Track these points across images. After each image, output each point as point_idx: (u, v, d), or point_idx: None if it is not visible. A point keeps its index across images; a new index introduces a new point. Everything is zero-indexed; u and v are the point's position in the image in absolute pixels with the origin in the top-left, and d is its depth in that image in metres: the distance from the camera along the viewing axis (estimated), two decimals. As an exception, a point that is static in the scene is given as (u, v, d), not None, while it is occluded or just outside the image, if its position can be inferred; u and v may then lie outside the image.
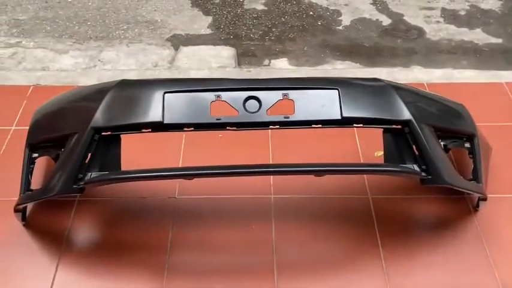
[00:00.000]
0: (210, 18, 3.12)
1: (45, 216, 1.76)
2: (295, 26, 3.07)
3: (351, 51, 2.89)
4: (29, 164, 1.66)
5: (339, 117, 1.47)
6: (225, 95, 1.47)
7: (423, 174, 1.52)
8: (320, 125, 1.49)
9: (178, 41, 2.93)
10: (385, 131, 1.59)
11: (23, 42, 2.88)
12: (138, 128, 1.48)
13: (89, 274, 1.61)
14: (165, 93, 1.47)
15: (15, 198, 1.66)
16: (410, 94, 1.61)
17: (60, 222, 1.74)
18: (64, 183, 1.49)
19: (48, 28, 3.00)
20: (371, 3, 3.27)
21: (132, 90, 1.53)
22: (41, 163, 1.78)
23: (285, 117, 1.47)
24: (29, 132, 1.69)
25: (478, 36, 3.01)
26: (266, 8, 3.21)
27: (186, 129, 1.49)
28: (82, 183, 1.48)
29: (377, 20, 3.13)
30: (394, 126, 1.54)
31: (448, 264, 1.64)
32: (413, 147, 1.53)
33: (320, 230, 1.74)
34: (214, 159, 1.92)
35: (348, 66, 2.77)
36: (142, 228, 1.74)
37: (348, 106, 1.47)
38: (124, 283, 1.58)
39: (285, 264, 1.64)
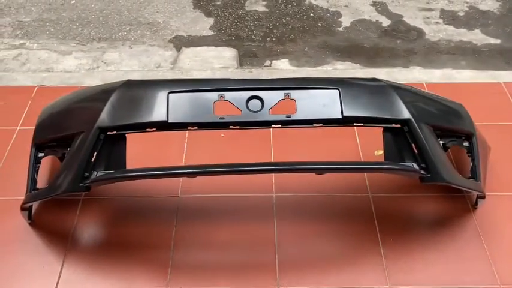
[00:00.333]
0: (211, 20, 3.15)
1: (50, 215, 1.78)
2: (296, 27, 3.09)
3: (351, 52, 2.92)
4: (35, 163, 1.68)
5: (340, 117, 1.49)
6: (228, 94, 1.50)
7: (422, 172, 1.54)
8: (321, 124, 1.52)
9: (180, 42, 2.95)
10: (385, 130, 1.61)
11: (27, 44, 2.91)
12: (143, 127, 1.50)
13: (94, 271, 1.63)
14: (169, 93, 1.49)
15: (21, 197, 1.68)
16: (409, 94, 1.64)
17: (65, 221, 1.76)
18: (70, 181, 1.52)
19: (52, 30, 3.03)
20: (371, 5, 3.29)
21: (137, 91, 1.56)
22: (46, 162, 1.81)
23: (287, 117, 1.50)
24: (35, 132, 1.71)
25: (476, 36, 3.03)
26: (267, 10, 3.24)
27: (190, 128, 1.52)
28: (88, 181, 1.51)
29: (377, 21, 3.16)
30: (393, 125, 1.57)
31: (447, 261, 1.66)
32: (413, 145, 1.55)
33: (321, 227, 1.76)
34: (217, 158, 1.95)
35: (348, 66, 2.80)
36: (146, 226, 1.76)
37: (348, 105, 1.49)
38: (129, 280, 1.60)
39: (286, 261, 1.66)
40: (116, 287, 1.59)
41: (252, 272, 1.64)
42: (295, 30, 3.07)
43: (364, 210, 1.81)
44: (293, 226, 1.76)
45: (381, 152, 1.68)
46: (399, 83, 1.71)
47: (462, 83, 2.46)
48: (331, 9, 3.25)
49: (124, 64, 2.77)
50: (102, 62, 2.79)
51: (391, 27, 3.11)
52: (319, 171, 1.56)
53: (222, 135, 2.05)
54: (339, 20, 3.17)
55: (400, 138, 1.57)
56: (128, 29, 3.06)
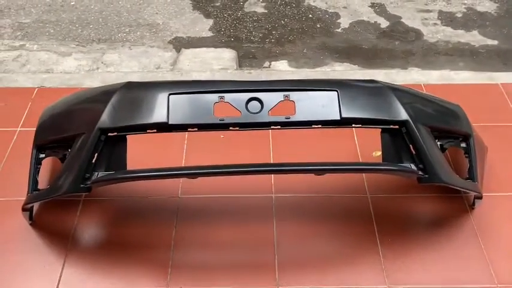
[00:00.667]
0: (211, 21, 3.16)
1: (51, 215, 1.79)
2: (295, 29, 3.11)
3: (350, 53, 2.93)
4: (36, 164, 1.69)
5: (338, 118, 1.51)
6: (228, 96, 1.51)
7: (420, 173, 1.56)
8: (320, 126, 1.53)
9: (180, 44, 2.97)
10: (383, 131, 1.62)
11: (27, 45, 2.91)
12: (143, 128, 1.51)
13: (94, 271, 1.64)
14: (169, 94, 1.51)
15: (21, 197, 1.69)
16: (407, 95, 1.65)
17: (66, 221, 1.77)
18: (71, 182, 1.53)
19: (52, 31, 3.04)
20: (369, 6, 3.31)
21: (137, 92, 1.57)
22: (47, 163, 1.82)
23: (286, 118, 1.51)
24: (36, 133, 1.72)
25: (474, 38, 3.05)
26: (266, 11, 3.25)
27: (190, 129, 1.53)
28: (89, 182, 1.52)
29: (375, 22, 3.18)
30: (391, 126, 1.58)
31: (444, 260, 1.67)
32: (411, 146, 1.56)
33: (320, 227, 1.77)
34: (216, 159, 1.96)
35: (346, 68, 2.81)
36: (147, 227, 1.77)
37: (346, 107, 1.51)
38: (129, 280, 1.61)
39: (285, 261, 1.67)
40: (116, 286, 1.60)
41: (251, 272, 1.65)
42: (294, 32, 3.09)
43: (362, 211, 1.83)
44: (292, 226, 1.78)
45: (379, 153, 1.69)
46: (397, 85, 1.73)
47: (460, 84, 2.47)
48: (330, 11, 3.26)
49: (124, 65, 2.78)
50: (102, 63, 2.80)
51: (390, 29, 3.12)
52: (318, 172, 1.57)
53: (222, 136, 2.06)
54: (338, 21, 3.18)
55: (398, 139, 1.59)
56: (127, 30, 3.07)
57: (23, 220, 1.75)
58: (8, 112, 2.24)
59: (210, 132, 1.61)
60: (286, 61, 2.87)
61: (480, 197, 1.76)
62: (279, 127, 1.53)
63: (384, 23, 3.16)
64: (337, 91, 1.53)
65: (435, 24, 3.16)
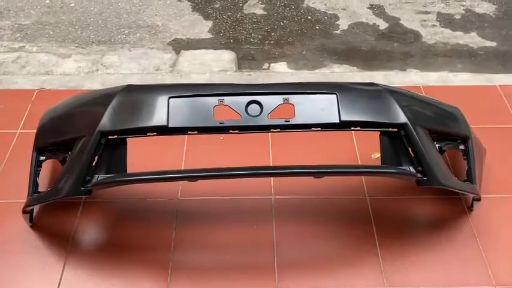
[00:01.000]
0: (210, 23, 3.17)
1: (51, 218, 1.80)
2: (294, 30, 3.12)
3: (349, 54, 2.94)
4: (37, 166, 1.70)
5: (337, 121, 1.52)
6: (227, 99, 1.52)
7: (419, 175, 1.57)
8: (319, 129, 1.54)
9: (179, 45, 2.97)
10: (382, 133, 1.63)
11: (27, 47, 2.92)
12: (143, 131, 1.52)
13: (95, 273, 1.65)
14: (169, 98, 1.51)
15: (22, 200, 1.69)
16: (406, 98, 1.66)
17: (66, 223, 1.78)
18: (72, 185, 1.53)
19: (51, 33, 3.04)
20: (368, 8, 3.32)
21: (137, 95, 1.58)
22: (47, 165, 1.82)
23: (285, 121, 1.52)
24: (36, 136, 1.72)
25: (473, 39, 3.06)
26: (265, 13, 3.26)
27: (190, 132, 1.54)
28: (89, 185, 1.52)
29: (374, 24, 3.18)
30: (390, 129, 1.59)
31: (443, 262, 1.68)
32: (409, 149, 1.57)
33: (319, 229, 1.78)
34: (216, 160, 1.95)
35: (345, 69, 2.82)
36: (147, 229, 1.78)
37: (345, 110, 1.52)
38: (129, 282, 1.62)
39: (285, 263, 1.68)
40: (116, 288, 1.61)
41: (251, 273, 1.66)
42: (293, 33, 3.09)
43: (361, 213, 1.84)
44: (292, 228, 1.78)
45: (378, 155, 1.70)
46: (396, 87, 1.73)
47: (458, 86, 2.48)
48: (329, 12, 3.27)
49: (123, 67, 2.79)
50: (102, 65, 2.81)
51: (388, 30, 3.13)
52: (317, 175, 1.58)
53: (222, 138, 2.06)
54: (337, 22, 3.19)
55: (396, 142, 1.60)
56: (127, 32, 3.07)
57: (23, 222, 1.75)
58: (8, 114, 2.24)
59: (210, 135, 1.62)
60: (285, 63, 2.87)
61: (478, 199, 1.77)
62: (279, 130, 1.54)
63: (383, 25, 3.17)
64: (336, 94, 1.53)
65: (434, 25, 3.17)
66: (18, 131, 2.15)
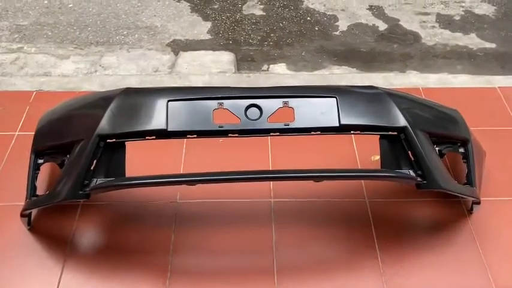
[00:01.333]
0: (209, 24, 3.16)
1: (50, 220, 1.79)
2: (293, 32, 3.11)
3: (348, 56, 2.94)
4: (35, 169, 1.69)
5: (337, 125, 1.51)
6: (227, 103, 1.51)
7: (419, 179, 1.56)
8: (319, 132, 1.54)
9: (178, 46, 2.96)
10: (382, 137, 1.63)
11: (25, 48, 2.91)
12: (142, 135, 1.51)
13: (93, 276, 1.64)
14: (168, 101, 1.50)
15: (20, 202, 1.69)
16: (405, 101, 1.65)
17: (64, 226, 1.77)
18: (70, 189, 1.53)
19: (50, 33, 3.03)
20: (367, 9, 3.31)
21: (136, 98, 1.57)
22: (45, 168, 1.81)
23: (285, 125, 1.51)
24: (34, 138, 1.71)
25: (472, 41, 3.06)
26: (264, 14, 3.25)
27: (189, 136, 1.53)
28: (88, 189, 1.51)
29: (373, 25, 3.18)
30: (390, 133, 1.59)
31: (443, 265, 1.68)
32: (409, 153, 1.57)
33: (319, 232, 1.78)
34: (215, 163, 1.96)
35: (344, 71, 2.82)
36: (145, 232, 1.77)
37: (345, 114, 1.51)
38: (128, 285, 1.62)
39: (284, 265, 1.67)
40: (115, 292, 1.60)
41: (250, 276, 1.65)
42: (292, 34, 3.09)
43: (361, 216, 1.83)
44: (291, 231, 1.78)
45: (378, 157, 1.70)
46: (395, 90, 1.73)
47: (458, 88, 2.48)
48: (328, 13, 3.27)
49: (122, 68, 2.78)
50: (100, 66, 2.80)
51: (388, 31, 3.13)
52: (317, 179, 1.58)
53: (221, 140, 2.06)
54: (336, 24, 3.19)
55: (396, 146, 1.59)
56: (125, 32, 3.06)
57: (21, 225, 1.74)
58: (6, 116, 2.23)
59: (209, 138, 1.61)
60: (284, 64, 2.87)
61: (478, 203, 1.76)
62: (278, 134, 1.53)
63: (382, 26, 3.17)
64: (336, 98, 1.53)
65: (433, 27, 3.17)
66: (17, 133, 2.14)
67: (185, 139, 2.03)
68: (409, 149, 1.56)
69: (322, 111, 1.51)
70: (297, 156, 2.02)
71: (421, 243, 1.75)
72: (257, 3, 3.35)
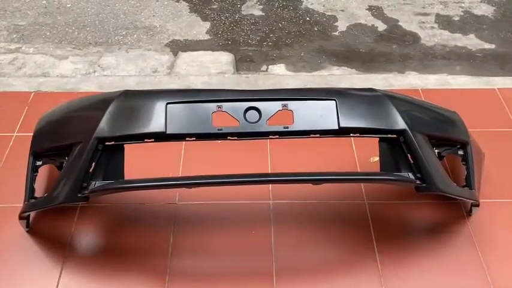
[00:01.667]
0: (208, 24, 3.16)
1: (48, 222, 1.79)
2: (292, 32, 3.10)
3: (347, 56, 2.93)
4: (33, 171, 1.68)
5: (337, 128, 1.51)
6: (226, 105, 1.51)
7: (418, 182, 1.56)
8: (318, 135, 1.53)
9: (177, 47, 2.96)
10: (381, 139, 1.63)
11: (23, 48, 2.90)
12: (141, 138, 1.51)
13: (92, 278, 1.64)
14: (167, 104, 1.50)
15: (18, 204, 1.68)
16: (404, 103, 1.65)
17: (63, 228, 1.77)
18: (68, 192, 1.52)
19: (48, 34, 3.02)
20: (367, 9, 3.31)
21: (135, 101, 1.56)
22: (43, 170, 1.81)
23: (284, 127, 1.51)
24: (33, 140, 1.71)
25: (471, 41, 3.06)
26: (263, 14, 3.25)
27: (188, 139, 1.53)
28: (86, 192, 1.51)
29: (372, 25, 3.18)
30: (389, 135, 1.58)
31: (442, 267, 1.68)
32: (408, 155, 1.57)
33: (318, 234, 1.78)
34: (214, 164, 1.96)
35: (344, 72, 2.81)
36: (144, 234, 1.77)
37: (345, 116, 1.51)
38: (127, 287, 1.61)
39: (283, 268, 1.67)
40: (114, 294, 1.60)
41: (249, 278, 1.65)
42: (291, 35, 3.08)
43: (360, 217, 1.83)
44: (290, 233, 1.78)
45: (377, 158, 1.70)
46: (395, 93, 1.73)
47: (457, 89, 2.48)
48: (328, 14, 3.26)
49: (120, 69, 2.77)
50: (99, 66, 2.79)
51: (387, 32, 3.12)
52: (316, 182, 1.57)
53: (219, 141, 2.05)
54: (335, 24, 3.18)
55: (396, 148, 1.59)
56: (124, 33, 3.05)
57: (20, 227, 1.74)
58: (4, 117, 2.23)
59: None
60: (283, 65, 2.86)
61: (477, 205, 1.76)
62: (277, 137, 1.53)
63: (381, 26, 3.17)
64: (335, 100, 1.53)
65: (432, 27, 3.17)
66: (15, 134, 2.14)
67: (184, 142, 2.04)
68: (409, 152, 1.56)
69: (322, 114, 1.51)
70: (296, 158, 2.01)
71: (420, 245, 1.75)
72: (256, 3, 3.34)
